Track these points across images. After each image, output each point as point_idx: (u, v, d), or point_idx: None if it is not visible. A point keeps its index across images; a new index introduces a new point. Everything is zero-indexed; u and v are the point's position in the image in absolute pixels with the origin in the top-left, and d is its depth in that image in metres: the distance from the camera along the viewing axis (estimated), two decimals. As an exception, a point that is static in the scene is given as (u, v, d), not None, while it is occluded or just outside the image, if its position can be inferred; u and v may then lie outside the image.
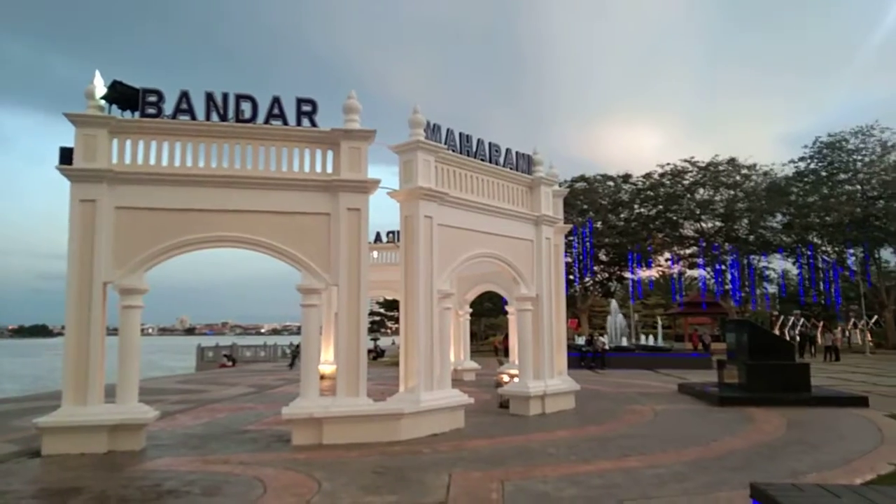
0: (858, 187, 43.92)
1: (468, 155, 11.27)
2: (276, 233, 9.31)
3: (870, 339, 39.16)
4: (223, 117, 9.31)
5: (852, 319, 44.20)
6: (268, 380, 20.03)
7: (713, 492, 6.19)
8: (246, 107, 9.42)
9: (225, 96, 9.32)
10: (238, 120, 9.35)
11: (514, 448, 8.62)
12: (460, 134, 11.17)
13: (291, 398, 9.44)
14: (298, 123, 9.51)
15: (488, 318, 52.96)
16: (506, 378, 13.68)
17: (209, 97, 9.27)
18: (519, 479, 6.76)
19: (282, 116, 9.47)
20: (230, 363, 36.69)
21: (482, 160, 11.54)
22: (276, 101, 9.46)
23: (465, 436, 9.52)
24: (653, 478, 6.84)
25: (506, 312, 15.87)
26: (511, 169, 12.21)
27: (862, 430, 9.88)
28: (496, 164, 11.89)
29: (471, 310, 20.48)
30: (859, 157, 44.26)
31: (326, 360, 18.16)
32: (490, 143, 11.81)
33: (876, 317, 43.30)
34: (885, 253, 45.94)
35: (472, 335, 22.32)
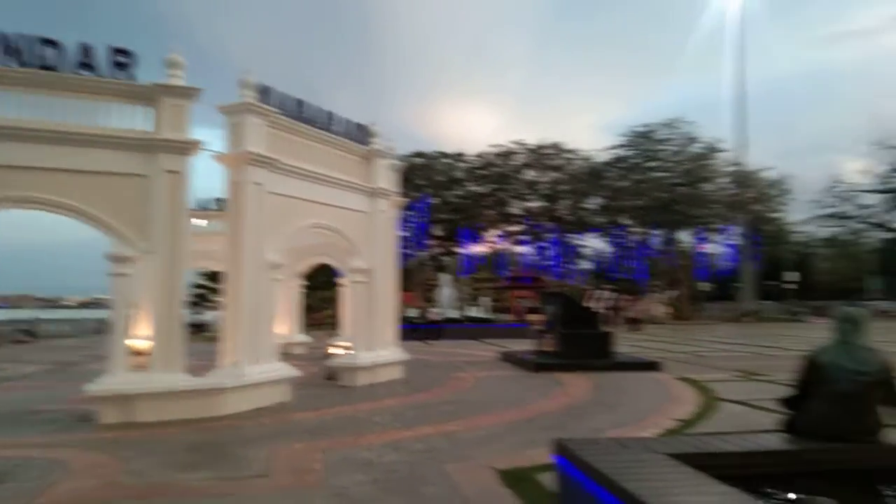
0: (665, 174, 48.90)
1: (302, 121, 10.95)
2: (84, 194, 8.43)
3: (668, 311, 44.06)
4: (23, 63, 8.22)
5: (654, 294, 49.34)
6: (72, 356, 18.31)
7: (524, 450, 6.65)
8: (51, 53, 8.39)
9: (24, 39, 8.22)
10: (42, 67, 8.31)
11: (341, 418, 8.65)
12: (294, 99, 10.80)
13: (97, 375, 8.71)
14: (114, 75, 8.66)
15: (324, 291, 52.40)
16: (335, 350, 13.65)
17: (3, 39, 8.13)
18: (343, 449, 6.80)
19: (93, 67, 8.56)
20: (28, 339, 32.98)
21: (317, 127, 11.28)
22: (86, 48, 8.51)
23: (291, 409, 9.39)
24: (471, 440, 7.21)
25: (337, 284, 15.81)
26: (347, 139, 12.06)
27: (654, 391, 11.10)
28: (331, 132, 11.68)
29: (304, 282, 20.09)
30: (666, 147, 49.24)
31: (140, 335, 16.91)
32: (327, 112, 11.57)
33: (674, 291, 48.74)
34: (683, 234, 51.75)
35: (307, 308, 21.90)
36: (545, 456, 6.17)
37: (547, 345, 15.61)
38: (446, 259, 54.03)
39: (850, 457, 3.99)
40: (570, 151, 50.30)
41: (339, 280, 15.90)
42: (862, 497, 3.69)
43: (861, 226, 62.13)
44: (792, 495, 3.39)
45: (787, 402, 4.47)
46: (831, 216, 60.63)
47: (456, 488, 5.34)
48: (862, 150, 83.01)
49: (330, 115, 11.66)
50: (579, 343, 14.76)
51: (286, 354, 12.67)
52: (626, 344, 20.41)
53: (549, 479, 4.97)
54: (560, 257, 49.52)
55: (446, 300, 33.69)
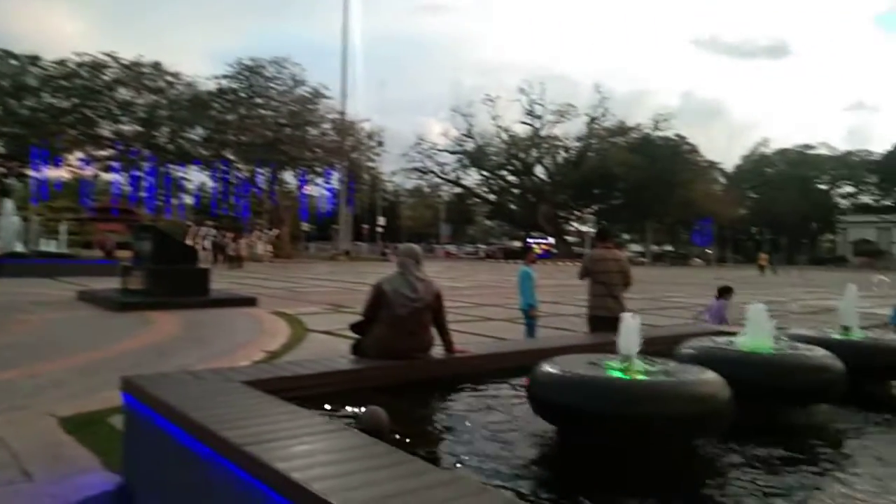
0: (271, 113, 48.91)
1: None
2: None
3: (270, 249, 44.85)
4: None
5: (257, 232, 49.63)
6: None
7: (97, 393, 6.05)
8: None
9: None
10: None
11: None
12: None
13: None
14: None
15: None
16: None
17: None
18: None
19: None
20: None
21: None
22: None
23: None
24: (30, 388, 6.26)
25: None
26: None
27: (247, 326, 11.23)
28: None
29: None
30: (274, 86, 49.19)
31: None
32: None
33: (276, 231, 49.75)
34: (288, 175, 52.93)
35: None
36: (117, 398, 5.73)
37: (135, 282, 14.42)
38: (12, 182, 45.28)
39: (405, 371, 4.64)
40: (172, 74, 46.55)
41: None
42: (413, 403, 4.31)
43: (438, 180, 72.56)
44: (350, 408, 3.78)
45: (354, 326, 4.97)
46: (416, 169, 69.32)
47: (2, 441, 4.58)
48: (442, 115, 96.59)
49: None
50: (172, 280, 13.99)
51: None
52: (225, 281, 20.16)
53: (121, 421, 4.62)
54: (157, 189, 45.91)
55: (10, 232, 28.31)
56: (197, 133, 48.45)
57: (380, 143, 57.32)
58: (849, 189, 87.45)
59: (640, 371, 3.54)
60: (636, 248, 67.18)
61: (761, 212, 77.61)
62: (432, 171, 70.59)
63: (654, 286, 25.12)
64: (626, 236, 72.02)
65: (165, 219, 48.77)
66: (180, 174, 50.04)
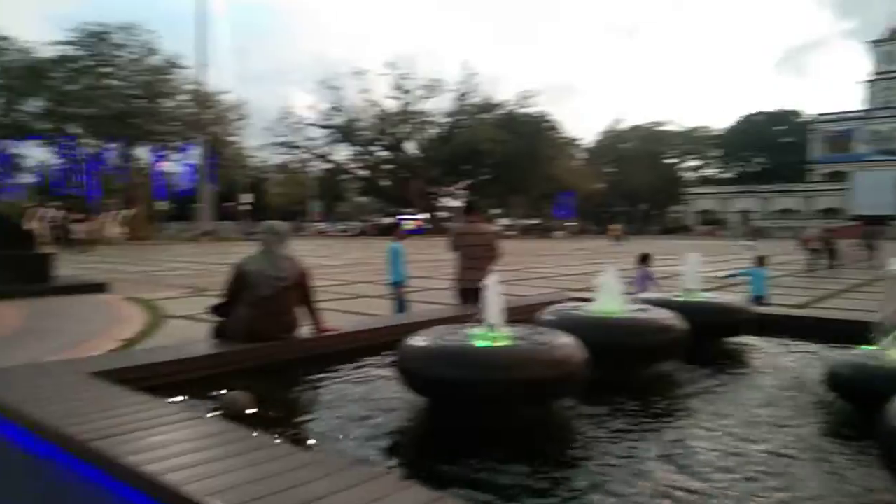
0: (121, 83, 45.25)
1: None
2: None
3: (123, 231, 41.78)
4: None
5: (108, 212, 46.03)
6: None
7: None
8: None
9: None
10: None
11: None
12: None
13: None
14: None
15: None
16: None
17: None
18: None
19: None
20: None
21: None
22: None
23: None
24: None
25: None
26: None
27: (98, 314, 10.44)
28: None
29: None
30: (124, 54, 45.46)
31: None
32: None
33: (133, 210, 46.38)
34: (141, 151, 49.38)
35: None
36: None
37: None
38: None
39: (271, 353, 4.50)
40: (2, 38, 41.73)
41: None
42: (277, 385, 4.20)
43: (307, 155, 70.72)
44: (211, 394, 3.62)
45: (216, 308, 4.75)
46: (282, 144, 67.11)
47: None
48: (310, 87, 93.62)
49: None
50: (9, 267, 12.68)
51: None
52: (74, 266, 18.57)
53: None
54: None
55: None
56: (35, 105, 43.87)
57: (243, 117, 54.90)
58: (694, 163, 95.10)
59: (503, 338, 3.66)
60: (505, 221, 69.32)
61: (618, 185, 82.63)
62: (300, 146, 68.75)
63: (521, 258, 26.10)
64: (496, 210, 74.12)
65: (2, 200, 44.01)
66: (16, 150, 45.21)
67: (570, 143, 78.60)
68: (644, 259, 9.92)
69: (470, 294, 6.57)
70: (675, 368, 4.75)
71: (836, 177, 74.29)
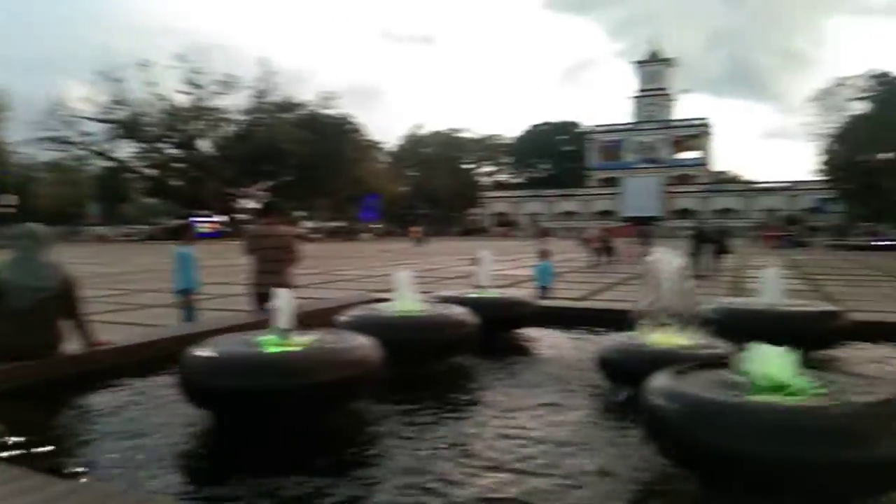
0: None
1: None
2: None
3: None
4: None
5: None
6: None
7: None
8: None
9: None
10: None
11: None
12: None
13: None
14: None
15: None
16: None
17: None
18: None
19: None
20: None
21: None
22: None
23: None
24: None
25: None
26: None
27: None
28: None
29: None
30: None
31: None
32: None
33: None
34: None
35: None
36: None
37: None
38: None
39: (29, 372, 3.93)
40: None
41: None
42: (38, 409, 3.68)
43: (84, 152, 63.54)
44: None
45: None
46: (53, 140, 59.67)
47: None
48: (88, 78, 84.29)
49: None
50: None
51: None
52: None
53: None
54: None
55: None
56: None
57: (3, 108, 47.98)
58: (489, 168, 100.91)
59: (296, 344, 3.53)
60: (310, 224, 68.02)
61: (420, 188, 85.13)
62: (75, 142, 61.61)
63: (326, 261, 25.78)
64: (300, 213, 72.44)
65: None
66: None
67: (374, 146, 79.37)
68: (543, 255, 10.70)
69: (265, 299, 6.31)
70: (469, 361, 4.95)
71: (610, 182, 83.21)
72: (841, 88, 54.07)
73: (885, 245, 33.17)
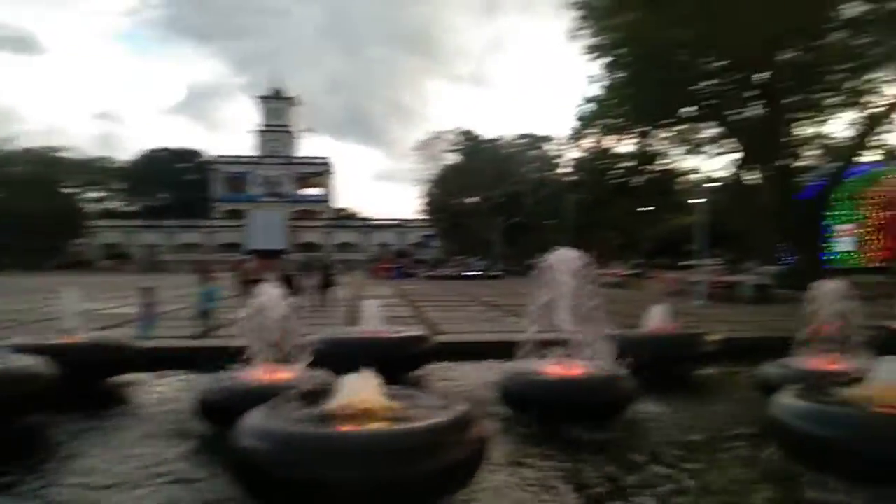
0: None
1: None
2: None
3: None
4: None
5: None
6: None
7: None
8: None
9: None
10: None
11: None
12: None
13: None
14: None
15: None
16: None
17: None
18: None
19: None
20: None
21: None
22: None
23: None
24: None
25: None
26: None
27: None
28: None
29: None
30: None
31: None
32: None
33: None
34: None
35: None
36: None
37: None
38: None
39: None
40: None
41: None
42: None
43: None
44: None
45: None
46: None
47: None
48: None
49: None
50: None
51: None
52: None
53: None
54: None
55: None
56: None
57: None
58: (97, 194, 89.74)
59: None
60: None
61: (7, 214, 71.29)
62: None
63: None
64: None
65: None
66: None
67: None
68: (147, 292, 9.96)
69: None
70: (49, 419, 4.23)
71: (236, 214, 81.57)
72: (437, 141, 62.98)
73: (473, 275, 39.05)
